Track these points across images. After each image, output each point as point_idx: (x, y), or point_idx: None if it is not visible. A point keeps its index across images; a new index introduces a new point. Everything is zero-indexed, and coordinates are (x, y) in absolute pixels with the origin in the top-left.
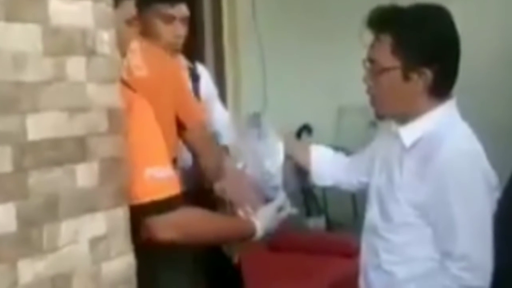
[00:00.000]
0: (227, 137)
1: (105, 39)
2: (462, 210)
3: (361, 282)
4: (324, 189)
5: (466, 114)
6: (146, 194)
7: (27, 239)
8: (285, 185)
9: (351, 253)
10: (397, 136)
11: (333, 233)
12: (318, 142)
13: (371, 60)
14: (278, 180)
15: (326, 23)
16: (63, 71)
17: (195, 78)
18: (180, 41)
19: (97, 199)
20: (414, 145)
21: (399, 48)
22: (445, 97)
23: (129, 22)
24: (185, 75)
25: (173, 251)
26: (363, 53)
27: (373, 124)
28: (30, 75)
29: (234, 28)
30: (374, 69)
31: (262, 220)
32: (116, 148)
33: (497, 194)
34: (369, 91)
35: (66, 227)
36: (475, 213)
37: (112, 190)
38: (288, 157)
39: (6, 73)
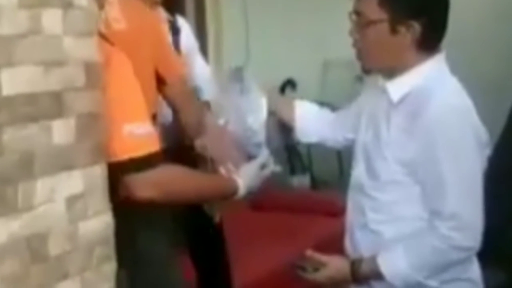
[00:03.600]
0: (208, 92)
1: None
2: (451, 167)
3: (347, 241)
4: (309, 146)
5: (455, 68)
6: (125, 151)
7: (2, 197)
8: (269, 142)
9: (337, 212)
10: (384, 91)
11: (318, 192)
12: (302, 97)
13: (357, 12)
14: (261, 136)
15: None
16: (39, 24)
17: (175, 31)
18: None
19: (74, 157)
20: (402, 100)
21: (386, 0)
22: (434, 50)
23: None
24: (165, 28)
25: (152, 210)
26: (349, 6)
27: (359, 79)
28: (4, 28)
29: None
30: (361, 22)
31: (244, 178)
32: (93, 103)
33: (487, 151)
34: (355, 44)
35: (41, 186)
36: (464, 171)
37: (89, 147)
38: (271, 113)
39: None
